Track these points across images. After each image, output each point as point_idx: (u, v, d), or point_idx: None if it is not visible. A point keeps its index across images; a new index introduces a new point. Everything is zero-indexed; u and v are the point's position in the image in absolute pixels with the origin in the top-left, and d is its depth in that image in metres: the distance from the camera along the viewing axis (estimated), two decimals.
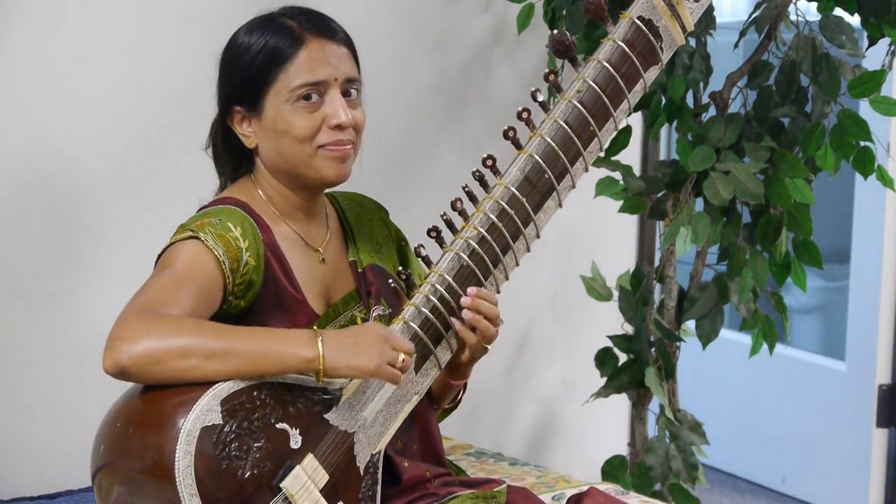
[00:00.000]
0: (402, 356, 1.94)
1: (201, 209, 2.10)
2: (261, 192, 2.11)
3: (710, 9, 3.04)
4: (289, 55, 2.04)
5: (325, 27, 2.09)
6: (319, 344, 1.88)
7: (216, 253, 1.97)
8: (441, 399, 2.24)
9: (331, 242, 2.17)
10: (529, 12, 3.24)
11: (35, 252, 2.81)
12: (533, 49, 3.46)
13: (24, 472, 2.84)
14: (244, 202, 2.09)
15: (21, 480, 2.83)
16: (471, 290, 2.06)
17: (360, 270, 2.17)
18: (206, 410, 1.81)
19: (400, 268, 2.09)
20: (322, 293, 2.13)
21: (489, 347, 2.13)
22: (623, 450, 3.72)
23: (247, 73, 2.05)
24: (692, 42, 3.09)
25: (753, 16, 3.05)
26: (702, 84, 3.11)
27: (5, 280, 2.79)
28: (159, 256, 2.02)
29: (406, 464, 2.12)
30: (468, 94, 3.42)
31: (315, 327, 2.03)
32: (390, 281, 2.07)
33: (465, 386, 2.26)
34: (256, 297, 2.03)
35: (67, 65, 2.81)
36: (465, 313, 2.06)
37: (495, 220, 2.07)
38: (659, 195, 3.20)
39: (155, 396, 1.85)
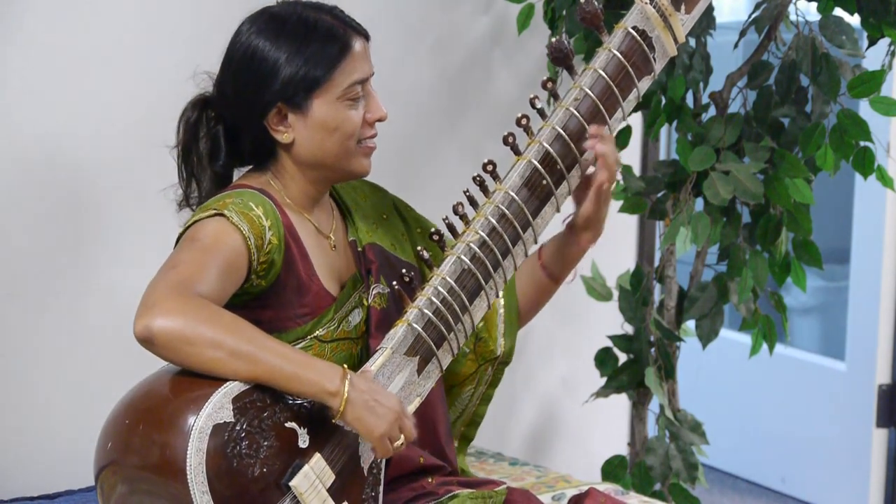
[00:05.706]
0: (402, 440, 1.94)
1: (217, 195, 2.08)
2: (273, 183, 2.11)
3: (710, 9, 3.04)
4: (342, 55, 2.06)
5: (355, 23, 2.12)
6: (347, 385, 1.88)
7: (241, 229, 1.97)
8: (569, 266, 2.31)
9: (337, 229, 2.19)
10: (529, 13, 3.24)
11: (37, 252, 2.81)
12: (533, 49, 3.46)
13: (24, 472, 2.83)
14: (261, 188, 2.09)
15: (21, 480, 2.82)
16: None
17: (359, 249, 2.18)
18: (218, 408, 1.81)
19: (403, 270, 2.09)
20: (336, 278, 2.14)
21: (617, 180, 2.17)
22: (623, 450, 3.72)
23: (296, 74, 2.04)
24: (692, 42, 3.09)
25: (753, 16, 3.05)
26: (702, 84, 3.11)
27: (6, 280, 2.79)
28: (180, 235, 2.02)
29: None
30: (468, 94, 3.42)
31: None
32: (394, 283, 2.07)
33: None
34: (277, 279, 2.04)
35: (71, 63, 2.81)
36: (590, 144, 2.11)
37: (496, 224, 2.09)
38: (659, 195, 3.20)
39: (164, 393, 1.85)
